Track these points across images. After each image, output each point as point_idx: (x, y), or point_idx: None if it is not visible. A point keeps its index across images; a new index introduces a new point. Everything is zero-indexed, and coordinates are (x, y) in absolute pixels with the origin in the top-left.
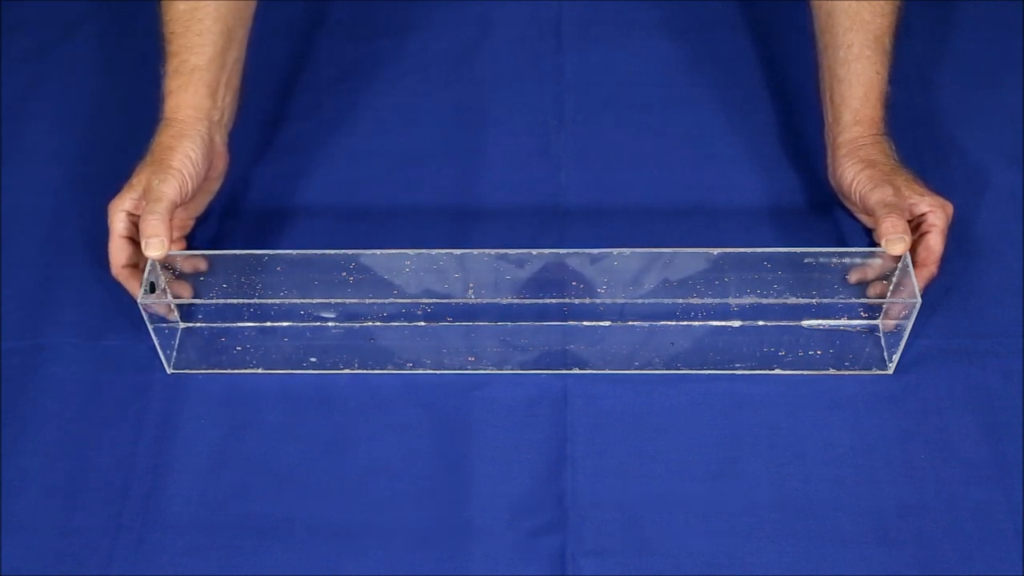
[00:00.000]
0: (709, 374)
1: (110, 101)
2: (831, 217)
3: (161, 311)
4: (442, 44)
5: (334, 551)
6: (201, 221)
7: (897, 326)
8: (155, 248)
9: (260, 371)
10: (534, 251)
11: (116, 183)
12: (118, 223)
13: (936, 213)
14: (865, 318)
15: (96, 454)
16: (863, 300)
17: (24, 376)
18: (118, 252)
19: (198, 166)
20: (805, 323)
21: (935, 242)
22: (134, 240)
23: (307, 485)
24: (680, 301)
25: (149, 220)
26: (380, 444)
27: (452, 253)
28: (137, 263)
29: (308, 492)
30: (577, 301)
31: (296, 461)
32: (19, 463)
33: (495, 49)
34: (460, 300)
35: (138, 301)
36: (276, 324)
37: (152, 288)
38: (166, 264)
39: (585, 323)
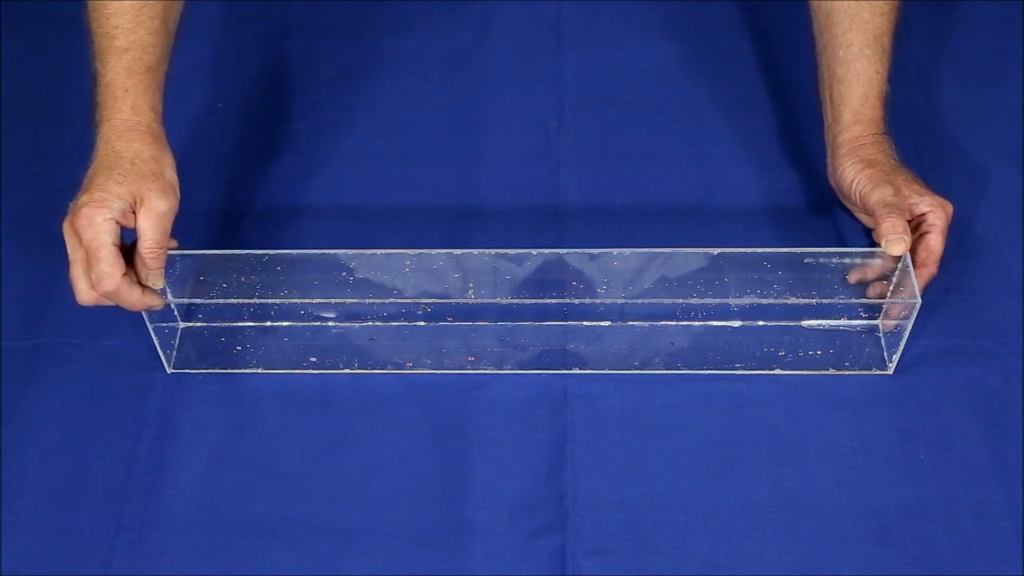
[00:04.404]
0: (709, 374)
1: None
2: (831, 217)
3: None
4: (442, 44)
5: (334, 551)
6: (202, 220)
7: (897, 326)
8: (160, 280)
9: (260, 371)
10: (534, 251)
11: None
12: (108, 234)
13: (936, 213)
14: (865, 318)
15: (96, 454)
16: (863, 300)
17: (24, 376)
18: (116, 263)
19: (176, 176)
20: (805, 323)
21: (935, 242)
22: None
23: (307, 485)
24: (680, 301)
25: (159, 254)
26: (380, 444)
27: (452, 253)
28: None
29: (308, 492)
30: (577, 301)
31: (296, 461)
32: (19, 463)
33: (495, 49)
34: (460, 300)
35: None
36: (276, 324)
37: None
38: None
39: (585, 323)
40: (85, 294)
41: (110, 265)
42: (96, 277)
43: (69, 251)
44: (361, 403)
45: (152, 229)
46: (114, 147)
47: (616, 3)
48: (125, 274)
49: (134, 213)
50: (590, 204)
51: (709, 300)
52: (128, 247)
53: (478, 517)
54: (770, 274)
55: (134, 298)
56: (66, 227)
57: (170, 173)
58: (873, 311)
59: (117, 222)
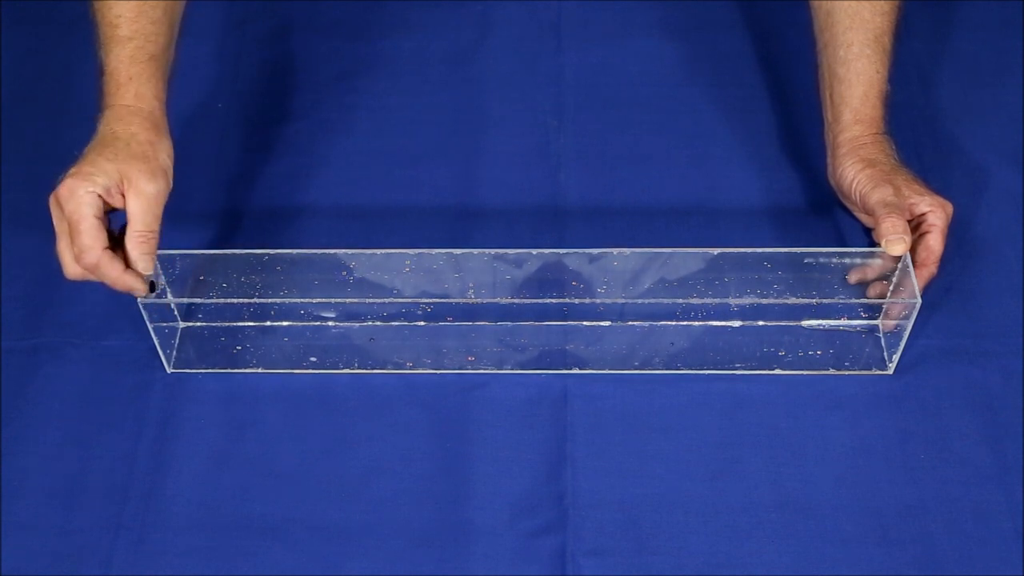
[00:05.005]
0: (709, 374)
1: None
2: (831, 217)
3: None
4: (442, 44)
5: (334, 551)
6: (202, 220)
7: (897, 326)
8: (149, 266)
9: (260, 371)
10: (534, 251)
11: None
12: (89, 206)
13: (936, 213)
14: (865, 318)
15: (96, 454)
16: (863, 300)
17: (24, 376)
18: (96, 235)
19: (172, 163)
20: (805, 323)
21: (935, 242)
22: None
23: (307, 485)
24: (680, 301)
25: (149, 237)
26: (380, 444)
27: (452, 253)
28: (110, 244)
29: (308, 492)
30: (577, 301)
31: (296, 461)
32: (19, 463)
33: (495, 49)
34: (460, 300)
35: (138, 300)
36: (276, 324)
37: (152, 287)
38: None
39: (585, 323)
40: (71, 268)
41: (91, 238)
42: (77, 250)
43: (55, 224)
44: (361, 403)
45: (142, 212)
46: (112, 128)
47: (616, 3)
48: (107, 248)
49: (122, 195)
50: (590, 204)
51: (709, 300)
52: (119, 232)
53: (478, 517)
54: (770, 274)
55: (115, 274)
56: (51, 200)
57: (164, 158)
58: (873, 311)
59: (100, 196)
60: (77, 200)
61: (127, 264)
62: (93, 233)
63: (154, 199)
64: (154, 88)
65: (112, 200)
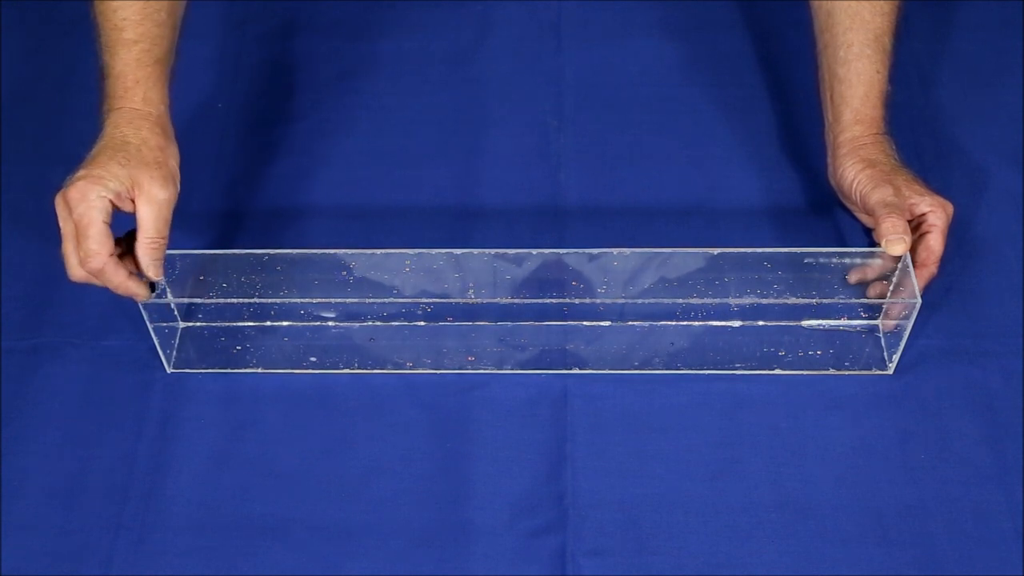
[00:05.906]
0: (709, 374)
1: None
2: (831, 217)
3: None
4: (442, 44)
5: (334, 551)
6: (202, 220)
7: (897, 326)
8: (159, 271)
9: (260, 371)
10: (534, 251)
11: None
12: (99, 211)
13: (936, 213)
14: (865, 318)
15: (96, 454)
16: (863, 300)
17: (24, 376)
18: (104, 241)
19: (179, 169)
20: (805, 323)
21: (935, 242)
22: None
23: (307, 485)
24: (680, 301)
25: (161, 244)
26: (380, 444)
27: (452, 253)
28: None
29: (308, 492)
30: (577, 301)
31: (296, 461)
32: (19, 463)
33: (495, 49)
34: (460, 300)
35: (138, 301)
36: (276, 324)
37: (152, 287)
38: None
39: (585, 323)
40: (75, 270)
41: (98, 243)
42: (84, 254)
43: (60, 224)
44: (361, 403)
45: (153, 218)
46: (122, 131)
47: (616, 3)
48: (112, 254)
49: (132, 200)
50: (590, 204)
51: (709, 300)
52: (127, 236)
53: (478, 517)
54: (770, 274)
55: (118, 280)
56: (58, 200)
57: (173, 164)
58: (873, 311)
59: (111, 201)
60: (88, 204)
61: (137, 268)
62: (101, 239)
63: (165, 205)
64: (160, 93)
65: (122, 205)
